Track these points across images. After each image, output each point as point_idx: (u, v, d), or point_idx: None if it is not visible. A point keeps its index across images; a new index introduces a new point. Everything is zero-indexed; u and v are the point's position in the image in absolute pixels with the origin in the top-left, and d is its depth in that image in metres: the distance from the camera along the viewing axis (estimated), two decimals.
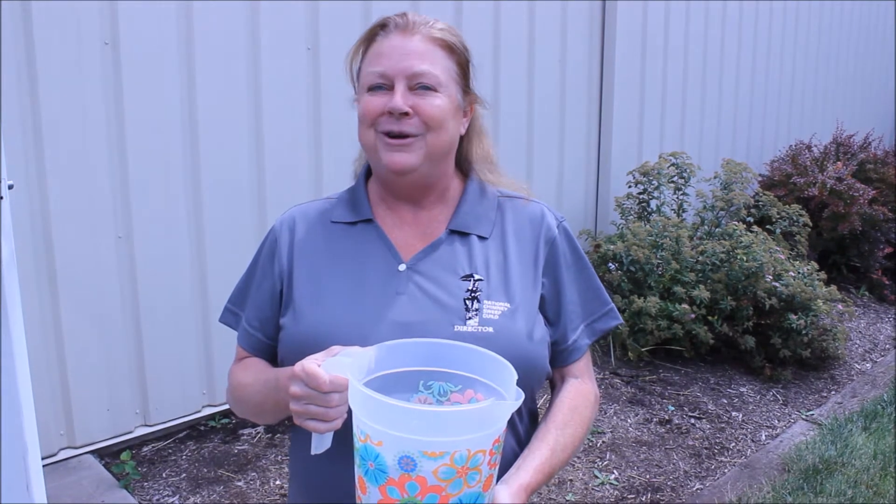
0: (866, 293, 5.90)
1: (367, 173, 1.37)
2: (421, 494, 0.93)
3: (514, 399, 0.98)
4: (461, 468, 0.93)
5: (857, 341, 5.01)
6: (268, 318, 1.32)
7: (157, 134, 3.10)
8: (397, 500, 0.94)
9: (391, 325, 1.19)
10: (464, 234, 1.29)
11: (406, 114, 1.20)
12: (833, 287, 4.52)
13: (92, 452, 3.13)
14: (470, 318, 1.19)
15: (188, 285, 3.29)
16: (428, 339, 1.10)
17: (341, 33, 3.50)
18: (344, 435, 1.08)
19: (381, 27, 1.25)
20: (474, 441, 0.93)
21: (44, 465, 2.68)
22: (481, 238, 1.29)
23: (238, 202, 3.37)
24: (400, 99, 1.19)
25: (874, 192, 5.69)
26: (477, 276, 1.24)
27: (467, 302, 1.21)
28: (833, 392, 4.24)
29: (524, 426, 1.29)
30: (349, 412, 1.05)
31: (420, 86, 1.21)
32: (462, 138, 1.32)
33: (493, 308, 1.21)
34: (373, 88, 1.23)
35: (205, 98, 3.19)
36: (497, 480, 1.05)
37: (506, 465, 1.12)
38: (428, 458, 0.91)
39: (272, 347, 1.33)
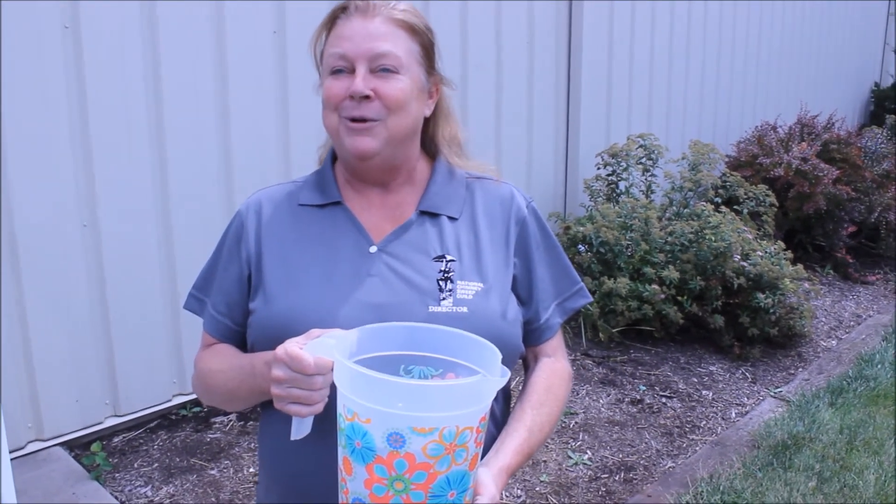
0: (831, 272, 5.99)
1: (334, 156, 1.35)
2: (409, 472, 0.93)
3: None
4: (449, 445, 0.93)
5: (823, 319, 5.09)
6: (235, 303, 1.30)
7: (122, 119, 3.05)
8: (385, 479, 0.93)
9: (364, 307, 1.18)
10: (434, 216, 1.28)
11: (367, 97, 1.18)
12: (799, 266, 4.59)
13: (61, 444, 3.09)
14: (444, 299, 1.19)
15: (156, 272, 3.25)
16: (409, 323, 1.09)
17: (308, 16, 3.45)
18: (319, 421, 1.08)
19: (343, 10, 1.23)
20: (463, 417, 0.93)
21: (12, 459, 2.64)
22: (451, 219, 1.28)
23: (206, 187, 3.33)
24: (361, 82, 1.18)
25: (838, 171, 5.77)
26: (449, 257, 1.24)
27: (440, 283, 1.21)
28: (800, 369, 4.31)
29: (499, 406, 1.29)
30: (330, 396, 1.04)
31: (381, 68, 1.19)
32: (428, 120, 1.31)
33: (467, 288, 1.21)
34: (335, 72, 1.21)
35: (170, 82, 3.14)
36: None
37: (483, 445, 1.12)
38: (417, 434, 0.91)
39: (240, 333, 1.31)
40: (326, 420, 1.06)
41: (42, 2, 2.80)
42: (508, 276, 1.27)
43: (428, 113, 1.29)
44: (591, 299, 1.44)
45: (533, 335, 1.32)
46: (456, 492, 0.97)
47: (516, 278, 1.29)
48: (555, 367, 1.33)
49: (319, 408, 1.05)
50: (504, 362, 1.02)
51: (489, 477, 1.07)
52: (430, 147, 1.35)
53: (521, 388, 1.32)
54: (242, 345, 1.31)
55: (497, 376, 0.98)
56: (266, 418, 1.30)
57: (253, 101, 3.42)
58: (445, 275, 1.22)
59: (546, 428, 1.24)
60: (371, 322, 1.09)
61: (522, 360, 1.36)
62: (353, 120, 1.20)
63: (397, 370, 1.07)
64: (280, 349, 1.05)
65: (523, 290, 1.30)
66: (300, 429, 1.07)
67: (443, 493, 0.95)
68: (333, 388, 1.01)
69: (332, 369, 1.00)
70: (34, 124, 2.84)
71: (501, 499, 1.10)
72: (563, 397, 1.31)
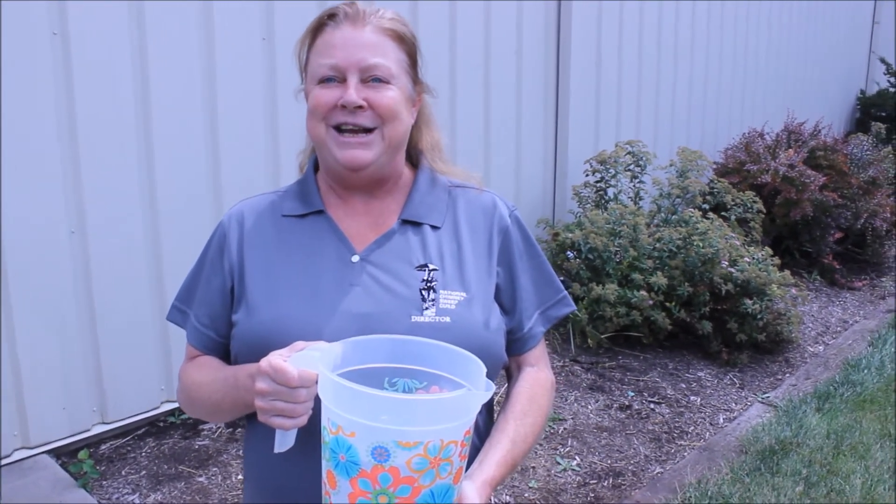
0: (818, 277, 6.03)
1: (316, 164, 1.35)
2: (393, 486, 0.93)
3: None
4: (434, 459, 0.93)
5: (810, 325, 5.12)
6: (218, 315, 1.29)
7: (110, 125, 3.04)
8: (369, 493, 0.93)
9: (347, 317, 1.18)
10: (416, 224, 1.28)
11: (360, 107, 1.18)
12: (787, 272, 4.61)
13: (48, 452, 3.08)
14: (427, 309, 1.19)
15: (144, 279, 3.24)
16: (394, 336, 1.09)
17: (297, 23, 3.44)
18: (304, 434, 1.08)
19: (330, 17, 1.23)
20: (447, 431, 0.93)
21: None
22: (434, 228, 1.28)
23: (194, 194, 3.33)
24: (354, 93, 1.18)
25: (825, 178, 5.80)
26: (432, 266, 1.24)
27: (423, 292, 1.20)
28: (787, 375, 4.33)
29: (482, 417, 1.28)
30: (314, 409, 1.04)
31: (373, 78, 1.19)
32: (411, 127, 1.31)
33: (450, 298, 1.21)
34: (324, 81, 1.21)
35: (158, 89, 3.14)
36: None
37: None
38: (402, 448, 0.91)
39: (224, 345, 1.31)
40: (310, 433, 1.06)
41: (30, 8, 2.79)
42: (491, 286, 1.27)
43: (412, 121, 1.30)
44: (575, 308, 1.44)
45: (516, 344, 1.32)
46: None
47: (499, 287, 1.29)
48: (538, 376, 1.33)
49: (303, 421, 1.05)
50: (487, 373, 1.02)
51: (473, 490, 1.07)
52: (412, 154, 1.35)
53: (503, 398, 1.32)
54: (227, 356, 1.31)
55: (482, 390, 0.99)
56: (251, 431, 1.29)
57: (242, 107, 3.42)
58: (428, 284, 1.21)
59: (530, 439, 1.24)
60: (353, 332, 1.10)
61: (505, 369, 1.36)
62: (347, 131, 1.20)
63: (381, 383, 1.06)
64: (264, 361, 1.04)
65: (506, 300, 1.30)
66: (284, 441, 1.07)
67: None
68: (318, 400, 1.00)
69: (317, 382, 1.00)
70: (22, 130, 2.83)
71: None
72: (546, 407, 1.31)
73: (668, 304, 4.29)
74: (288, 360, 1.03)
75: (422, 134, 1.34)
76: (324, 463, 0.99)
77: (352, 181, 1.28)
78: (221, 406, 1.23)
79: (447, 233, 1.29)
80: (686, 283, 4.30)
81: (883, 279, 6.19)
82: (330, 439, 0.96)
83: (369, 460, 0.92)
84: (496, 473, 1.14)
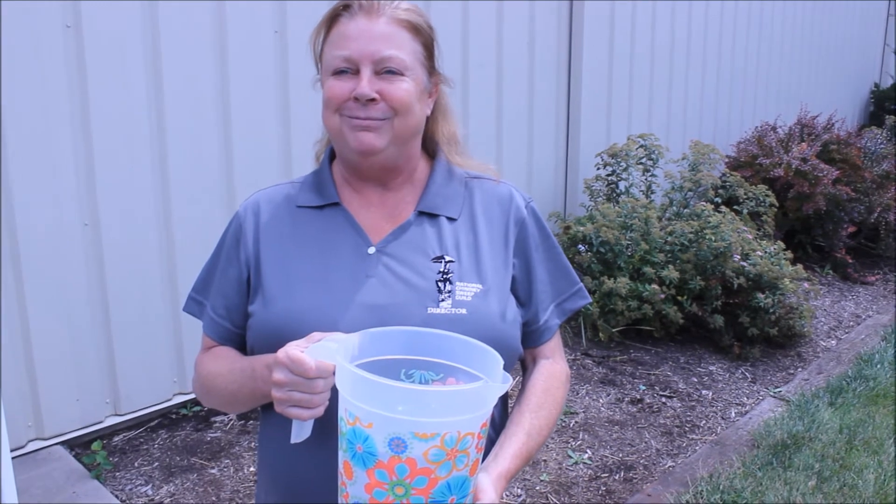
0: (830, 272, 6.00)
1: (332, 155, 1.34)
2: (410, 477, 0.93)
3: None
4: (451, 450, 0.93)
5: (823, 319, 5.10)
6: (235, 306, 1.29)
7: (123, 119, 3.05)
8: (385, 483, 0.93)
9: (363, 308, 1.18)
10: (433, 216, 1.27)
11: (373, 100, 1.17)
12: (799, 266, 4.59)
13: (62, 443, 3.10)
14: (443, 300, 1.18)
15: (157, 272, 3.25)
16: (411, 328, 1.09)
17: (309, 16, 3.44)
18: (319, 425, 1.08)
19: (345, 7, 1.22)
20: (464, 423, 0.93)
21: (12, 458, 2.65)
22: (450, 219, 1.28)
23: (206, 186, 3.34)
24: (367, 85, 1.17)
25: (838, 172, 5.77)
26: (448, 258, 1.23)
27: (439, 284, 1.20)
28: (800, 369, 4.31)
29: (497, 409, 1.28)
30: (330, 400, 1.04)
31: (386, 70, 1.18)
32: (427, 118, 1.30)
33: (466, 289, 1.20)
34: (338, 72, 1.20)
35: (171, 82, 3.15)
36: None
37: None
38: (419, 439, 0.91)
39: (240, 336, 1.31)
40: (327, 424, 1.06)
41: (43, 1, 2.80)
42: (507, 277, 1.27)
43: (428, 112, 1.29)
44: (590, 300, 1.43)
45: (531, 336, 1.32)
46: (456, 497, 0.97)
47: (515, 279, 1.29)
48: (553, 369, 1.33)
49: (320, 411, 1.05)
50: (503, 365, 1.02)
51: (488, 482, 1.07)
52: (429, 145, 1.34)
53: (518, 390, 1.32)
54: (243, 347, 1.31)
55: (499, 382, 0.98)
56: (266, 421, 1.29)
57: (254, 100, 3.42)
58: (444, 276, 1.21)
59: (544, 431, 1.24)
60: (369, 323, 1.09)
61: (520, 361, 1.36)
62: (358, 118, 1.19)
63: (398, 374, 1.06)
64: (281, 352, 1.04)
65: (522, 291, 1.30)
66: (300, 432, 1.07)
67: (443, 498, 0.95)
68: (334, 391, 1.00)
69: (334, 373, 1.00)
70: (35, 123, 2.84)
71: (501, 499, 1.10)
72: (560, 399, 1.31)
73: (679, 297, 4.27)
74: (305, 351, 1.03)
75: (438, 125, 1.33)
76: (340, 454, 0.99)
77: (365, 170, 1.27)
78: (238, 396, 1.23)
79: (464, 224, 1.28)
80: (698, 277, 4.29)
81: None
82: (347, 430, 0.96)
83: (386, 451, 0.92)
84: (511, 466, 1.14)
